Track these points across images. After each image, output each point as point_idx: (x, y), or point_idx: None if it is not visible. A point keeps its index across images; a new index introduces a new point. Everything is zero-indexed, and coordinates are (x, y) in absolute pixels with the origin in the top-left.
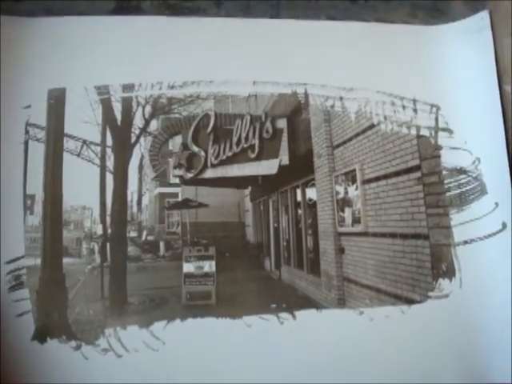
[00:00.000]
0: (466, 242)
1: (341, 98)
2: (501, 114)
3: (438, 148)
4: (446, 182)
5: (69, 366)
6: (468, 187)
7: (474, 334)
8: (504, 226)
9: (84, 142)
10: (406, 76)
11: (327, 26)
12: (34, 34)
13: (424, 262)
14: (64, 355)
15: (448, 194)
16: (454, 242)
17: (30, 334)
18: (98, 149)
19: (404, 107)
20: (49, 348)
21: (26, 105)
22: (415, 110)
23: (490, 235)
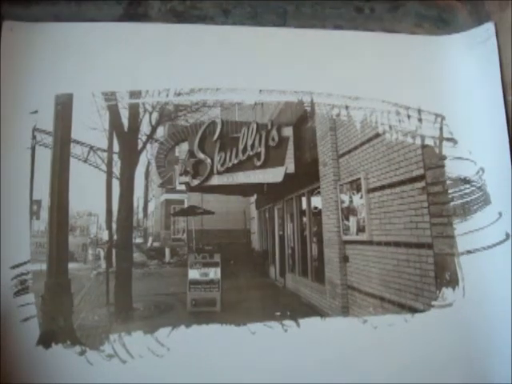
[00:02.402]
0: (469, 252)
1: (346, 107)
2: (505, 125)
3: (443, 158)
4: (450, 191)
5: (73, 371)
6: (472, 197)
7: (478, 343)
8: (507, 236)
9: (91, 147)
10: (411, 86)
11: (333, 35)
12: (42, 40)
13: (428, 271)
14: (69, 360)
15: (452, 203)
16: (457, 252)
17: (35, 339)
18: (105, 155)
19: (409, 117)
20: (53, 353)
21: (33, 110)
22: (420, 120)
23: (493, 245)
